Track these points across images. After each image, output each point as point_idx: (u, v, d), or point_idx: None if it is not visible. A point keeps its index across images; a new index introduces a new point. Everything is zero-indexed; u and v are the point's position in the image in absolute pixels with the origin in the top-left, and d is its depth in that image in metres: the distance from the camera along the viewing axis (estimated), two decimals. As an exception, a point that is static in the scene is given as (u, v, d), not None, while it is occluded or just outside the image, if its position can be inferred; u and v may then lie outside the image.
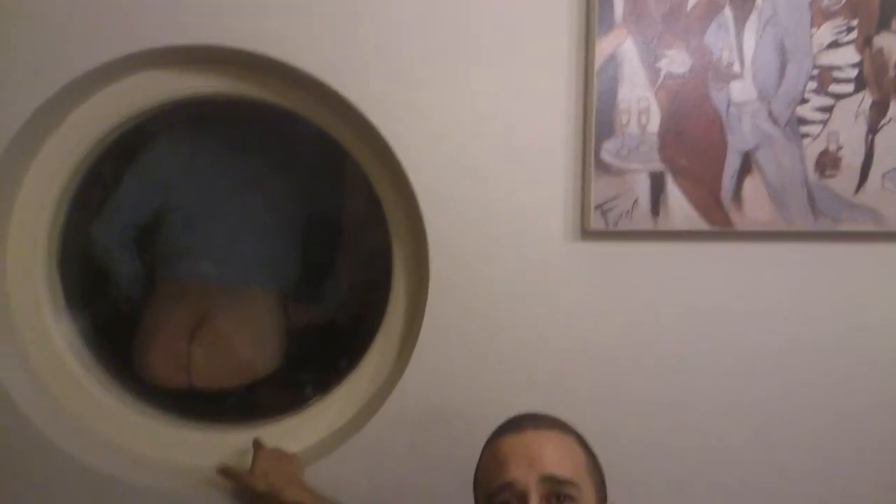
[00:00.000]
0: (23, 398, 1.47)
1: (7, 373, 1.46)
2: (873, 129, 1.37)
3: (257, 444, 1.48)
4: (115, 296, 1.87)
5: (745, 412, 1.48)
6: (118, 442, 1.54)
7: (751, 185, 1.39)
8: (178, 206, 1.84)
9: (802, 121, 1.36)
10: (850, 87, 1.36)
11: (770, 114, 1.36)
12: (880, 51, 1.36)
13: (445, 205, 1.42)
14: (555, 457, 1.01)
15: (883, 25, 1.35)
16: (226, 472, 1.44)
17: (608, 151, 1.37)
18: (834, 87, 1.36)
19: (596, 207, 1.39)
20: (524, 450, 1.01)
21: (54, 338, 1.53)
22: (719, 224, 1.39)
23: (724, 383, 1.47)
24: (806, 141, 1.37)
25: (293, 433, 1.56)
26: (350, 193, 1.99)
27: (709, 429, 1.48)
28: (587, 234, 1.41)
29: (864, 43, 1.36)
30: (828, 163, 1.37)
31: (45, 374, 1.52)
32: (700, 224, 1.39)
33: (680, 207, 1.39)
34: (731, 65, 1.35)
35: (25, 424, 1.46)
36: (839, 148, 1.37)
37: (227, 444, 1.56)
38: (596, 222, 1.39)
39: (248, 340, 1.86)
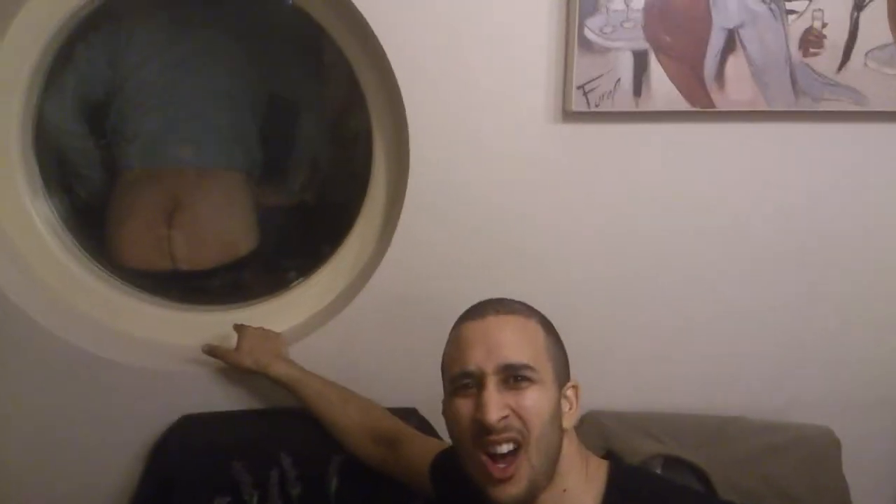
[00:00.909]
0: (6, 281, 1.48)
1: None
2: (859, 6, 1.35)
3: (240, 327, 1.51)
4: (83, 179, 1.85)
5: (722, 287, 1.52)
6: (104, 321, 1.58)
7: (734, 65, 1.38)
8: (145, 85, 1.80)
9: (788, -3, 1.35)
10: (837, -38, 1.34)
11: (756, -10, 1.34)
12: (872, -77, 1.33)
13: (425, 85, 1.41)
14: (513, 342, 1.04)
15: None
16: (212, 350, 1.49)
17: (592, 29, 1.35)
18: (821, -38, 1.34)
19: (578, 88, 1.38)
20: (483, 336, 1.05)
21: (34, 219, 1.54)
22: (701, 104, 1.39)
23: (703, 261, 1.51)
24: (791, 17, 1.35)
25: (277, 314, 1.60)
26: (328, 75, 1.95)
27: (688, 304, 1.53)
28: (568, 115, 1.41)
29: (855, -86, 1.32)
30: (812, 41, 1.36)
31: (26, 256, 1.54)
32: (682, 104, 1.39)
33: (662, 87, 1.38)
34: (719, -62, 1.32)
35: (9, 306, 1.48)
36: (824, 25, 1.36)
37: (212, 323, 1.60)
38: (577, 103, 1.39)
39: (225, 220, 1.87)
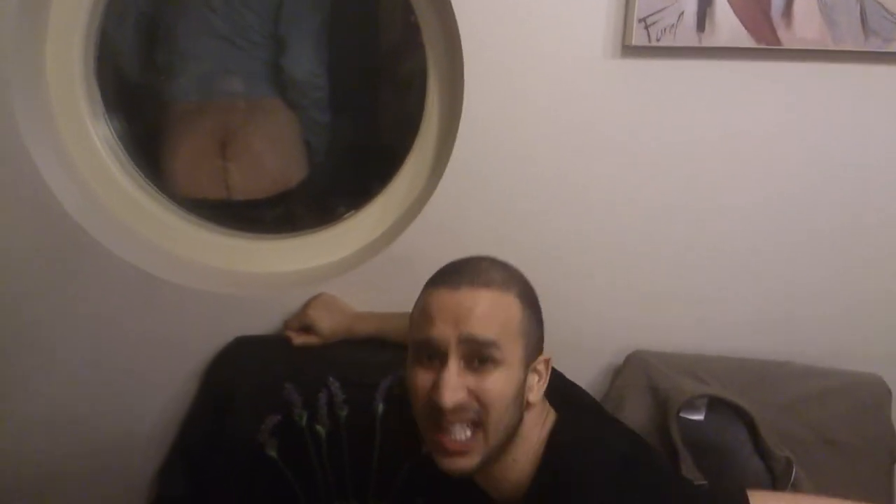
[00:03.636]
0: (69, 201, 1.54)
1: (53, 178, 1.53)
2: (938, -60, 1.31)
3: (307, 314, 1.54)
4: (143, 101, 1.90)
5: (775, 230, 1.52)
6: (161, 244, 1.64)
7: (802, 1, 1.35)
8: (196, 18, 1.84)
9: (864, -71, 1.32)
10: None
11: (832, -79, 1.31)
12: None
13: (482, 19, 1.41)
14: (482, 317, 1.00)
15: None
16: (299, 344, 1.54)
17: (656, -41, 1.34)
18: None
19: (639, 21, 1.37)
20: (453, 308, 1.01)
21: (95, 142, 1.60)
22: (766, 42, 1.38)
23: (757, 202, 1.51)
24: (865, -49, 1.32)
25: (327, 245, 1.65)
26: (382, 10, 1.96)
27: (741, 246, 1.53)
28: (628, 49, 1.41)
29: None
30: (885, -23, 1.33)
31: (88, 177, 1.60)
32: (747, 41, 1.38)
33: (727, 22, 1.37)
34: None
35: (71, 224, 1.55)
36: (899, -40, 1.32)
37: (264, 250, 1.66)
38: (638, 37, 1.38)
39: (275, 151, 1.91)
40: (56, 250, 1.57)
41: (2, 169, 1.50)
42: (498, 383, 1.00)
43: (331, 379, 1.45)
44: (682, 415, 1.44)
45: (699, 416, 1.45)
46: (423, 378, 1.03)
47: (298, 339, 1.54)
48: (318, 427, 1.43)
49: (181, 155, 1.89)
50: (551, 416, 1.12)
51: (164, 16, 1.91)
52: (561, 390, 1.19)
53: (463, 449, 1.00)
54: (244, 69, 1.90)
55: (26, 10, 1.44)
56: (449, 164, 1.50)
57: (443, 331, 1.01)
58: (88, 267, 1.58)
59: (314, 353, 1.53)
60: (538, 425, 1.09)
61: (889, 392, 1.48)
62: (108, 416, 1.68)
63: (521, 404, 1.04)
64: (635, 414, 1.50)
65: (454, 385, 0.98)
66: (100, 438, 1.69)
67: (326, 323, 1.52)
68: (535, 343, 1.07)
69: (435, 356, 1.02)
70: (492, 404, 0.99)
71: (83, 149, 1.59)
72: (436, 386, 1.00)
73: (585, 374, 1.33)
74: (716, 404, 1.46)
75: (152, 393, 1.66)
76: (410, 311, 1.08)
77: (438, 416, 1.00)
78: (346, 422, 1.44)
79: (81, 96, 1.57)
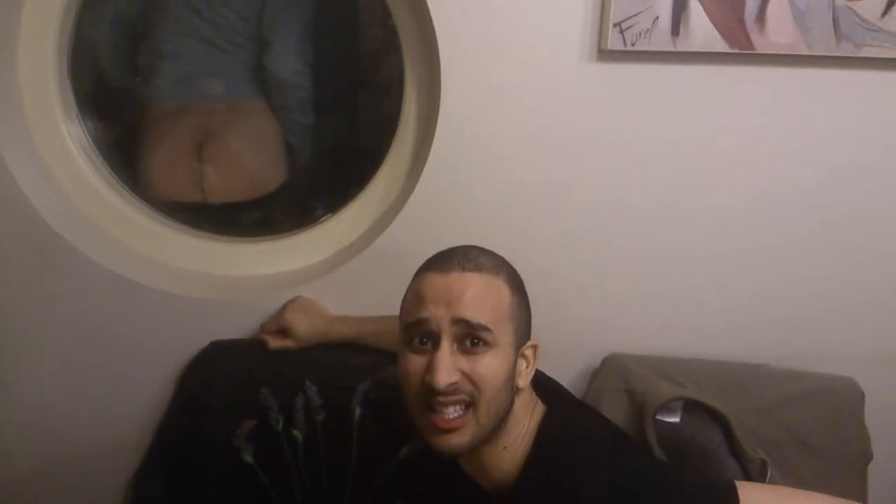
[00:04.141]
0: (42, 203, 1.53)
1: (25, 180, 1.53)
2: (908, -53, 1.33)
3: (284, 317, 1.53)
4: (119, 103, 1.89)
5: (752, 233, 1.53)
6: (136, 247, 1.63)
7: (775, 6, 1.37)
8: (174, 18, 1.83)
9: (837, -65, 1.33)
10: None
11: (803, -73, 1.33)
12: None
13: (458, 22, 1.42)
14: (473, 300, 1.03)
15: None
16: (275, 349, 1.53)
17: (631, -36, 1.35)
18: None
19: (615, 25, 1.38)
20: (445, 291, 1.03)
21: (67, 143, 1.59)
22: (740, 46, 1.39)
23: (733, 206, 1.51)
24: (836, -43, 1.34)
25: (304, 248, 1.64)
26: (361, 13, 1.96)
27: (716, 249, 1.54)
28: (604, 53, 1.42)
29: None
30: (857, -17, 1.35)
31: (61, 180, 1.60)
32: (720, 45, 1.39)
33: (701, 27, 1.38)
34: None
35: (44, 227, 1.54)
36: (870, -33, 1.34)
37: (240, 254, 1.66)
38: (613, 42, 1.39)
39: (254, 153, 1.91)
40: (30, 254, 1.56)
41: None
42: (490, 366, 1.02)
43: (307, 383, 1.45)
44: (658, 417, 1.45)
45: (675, 419, 1.46)
46: (415, 362, 1.04)
47: (275, 343, 1.53)
48: (295, 431, 1.43)
49: (158, 157, 1.88)
50: (539, 406, 1.13)
51: (142, 16, 1.90)
52: (546, 384, 1.21)
53: (455, 426, 1.02)
54: (225, 71, 1.90)
55: None
56: (426, 166, 1.50)
57: (435, 313, 1.02)
58: (63, 271, 1.57)
59: (291, 356, 1.52)
60: (527, 414, 1.10)
61: (862, 395, 1.49)
62: (84, 419, 1.67)
63: (511, 388, 1.06)
64: (612, 416, 1.49)
65: (447, 366, 1.00)
66: (76, 442, 1.69)
67: (303, 326, 1.52)
68: (524, 327, 1.09)
69: (427, 339, 1.04)
70: (484, 386, 1.01)
71: (57, 151, 1.59)
72: (430, 368, 1.01)
73: (562, 376, 1.34)
74: (691, 407, 1.46)
75: (129, 396, 1.66)
76: (387, 314, 1.08)
77: (431, 398, 1.01)
78: (323, 426, 1.44)
79: (55, 97, 1.56)
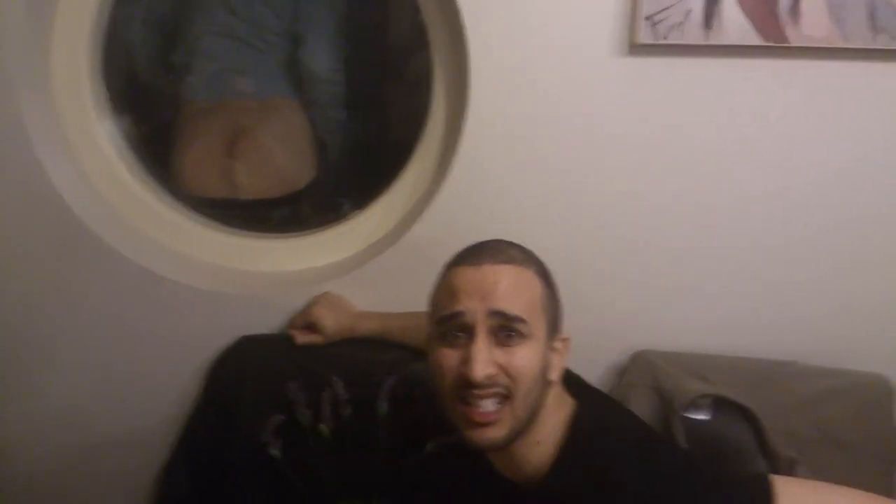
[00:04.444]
0: (74, 198, 1.55)
1: (59, 177, 1.54)
2: (949, -64, 1.30)
3: (311, 313, 1.54)
4: (152, 100, 1.90)
5: (780, 229, 1.51)
6: (166, 243, 1.65)
7: (811, -1, 1.34)
8: (206, 17, 1.83)
9: (872, -75, 1.31)
10: None
11: (838, -82, 1.31)
12: None
13: (488, 19, 1.41)
14: (507, 292, 1.02)
15: None
16: (303, 343, 1.54)
17: (663, -44, 1.33)
18: None
19: (646, 18, 1.37)
20: (478, 284, 1.03)
21: (101, 139, 1.60)
22: (774, 39, 1.37)
23: (764, 201, 1.49)
24: (873, -52, 1.31)
25: (331, 244, 1.65)
26: (391, 9, 1.95)
27: (745, 245, 1.52)
28: (635, 47, 1.40)
29: None
30: (894, -27, 1.32)
31: (94, 178, 1.62)
32: (754, 38, 1.37)
33: (734, 20, 1.37)
34: None
35: (75, 222, 1.55)
36: (908, -43, 1.31)
37: (268, 250, 1.67)
38: (645, 35, 1.38)
39: (285, 150, 1.91)
40: (61, 249, 1.58)
41: (7, 167, 1.50)
42: (526, 357, 1.02)
43: (334, 378, 1.46)
44: (687, 414, 1.44)
45: (703, 416, 1.46)
46: (449, 356, 1.04)
47: (302, 338, 1.54)
48: (322, 426, 1.44)
49: (191, 154, 1.89)
50: (569, 401, 1.13)
51: (176, 15, 1.91)
52: (575, 381, 1.21)
53: (492, 419, 1.01)
54: (257, 69, 1.90)
55: (33, 6, 1.44)
56: (455, 162, 1.50)
57: (469, 305, 1.02)
58: (94, 265, 1.59)
59: (318, 352, 1.53)
60: (559, 407, 1.10)
61: (892, 391, 1.48)
62: (112, 414, 1.69)
63: (545, 380, 1.05)
64: (639, 412, 1.49)
65: (485, 358, 1.00)
66: (103, 437, 1.70)
67: (330, 322, 1.52)
68: (555, 319, 1.09)
69: (462, 332, 1.03)
70: (521, 378, 1.01)
71: (89, 148, 1.60)
72: (465, 360, 1.01)
73: (590, 372, 1.33)
74: (720, 404, 1.45)
75: (157, 391, 1.67)
76: (414, 310, 1.08)
77: (467, 392, 1.01)
78: (350, 421, 1.45)
79: (88, 94, 1.57)
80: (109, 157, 1.62)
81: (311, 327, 1.54)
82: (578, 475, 1.03)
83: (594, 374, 1.57)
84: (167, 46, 1.89)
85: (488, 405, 1.01)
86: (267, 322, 1.59)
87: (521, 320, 1.02)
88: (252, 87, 1.88)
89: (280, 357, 1.54)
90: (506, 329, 1.02)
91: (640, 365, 1.55)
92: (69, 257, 1.58)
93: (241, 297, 1.60)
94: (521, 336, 1.02)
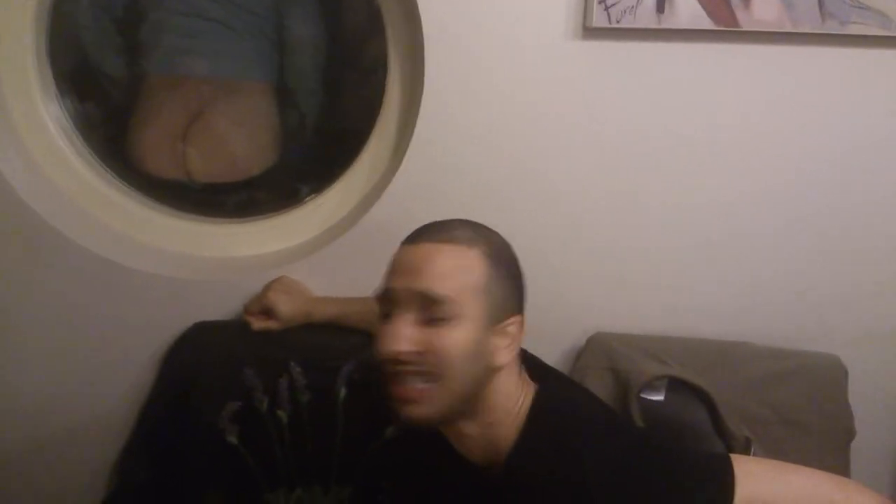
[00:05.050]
0: (21, 184, 1.53)
1: (4, 162, 1.51)
2: (894, -78, 1.33)
3: (266, 298, 1.52)
4: (102, 81, 1.86)
5: (735, 211, 1.53)
6: (118, 228, 1.63)
7: (762, -18, 1.37)
8: None
9: None
10: None
11: None
12: None
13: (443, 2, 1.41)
14: (436, 272, 1.01)
15: None
16: (259, 329, 1.52)
17: (615, -60, 1.34)
18: None
19: (599, 2, 1.38)
20: (409, 262, 1.03)
21: (47, 123, 1.58)
22: (725, 23, 1.39)
23: (716, 184, 1.52)
24: (822, -68, 1.34)
25: (289, 228, 1.64)
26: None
27: (699, 227, 1.54)
28: (588, 31, 1.42)
29: None
30: (842, -42, 1.35)
31: (40, 160, 1.59)
32: (706, 23, 1.39)
33: (686, 4, 1.38)
34: None
35: (24, 209, 1.54)
36: (856, -58, 1.34)
37: (224, 235, 1.66)
38: (598, 19, 1.39)
39: (243, 135, 1.88)
40: (11, 236, 1.55)
41: None
42: (452, 339, 1.00)
43: (292, 364, 1.45)
44: (643, 395, 1.46)
45: (659, 397, 1.47)
46: (382, 332, 1.03)
47: (258, 324, 1.53)
48: (280, 412, 1.43)
49: (145, 134, 1.85)
50: (530, 383, 1.12)
51: None
52: (534, 363, 1.21)
53: (417, 397, 1.00)
54: (225, 49, 1.85)
55: None
56: (410, 145, 1.50)
57: (397, 283, 1.03)
58: (45, 252, 1.57)
59: (275, 337, 1.52)
60: (518, 389, 1.09)
61: (846, 372, 1.51)
62: (67, 402, 1.67)
63: (485, 363, 1.03)
64: (597, 394, 1.51)
65: (399, 334, 1.00)
66: (60, 424, 1.69)
67: (286, 307, 1.51)
68: (502, 301, 1.06)
69: (391, 310, 1.03)
70: (446, 359, 0.99)
71: (35, 131, 1.58)
72: (382, 336, 1.01)
73: (548, 355, 1.34)
74: (676, 385, 1.48)
75: (112, 378, 1.66)
76: (370, 295, 1.07)
77: (391, 368, 1.00)
78: (308, 406, 1.44)
79: (32, 75, 1.55)
80: (56, 140, 1.60)
81: (266, 312, 1.53)
82: (540, 455, 1.02)
83: (552, 357, 1.58)
84: (124, 25, 1.85)
85: (413, 382, 1.00)
86: (222, 308, 1.58)
87: (448, 301, 1.00)
88: (216, 68, 1.84)
89: (236, 343, 1.53)
90: (432, 309, 1.00)
91: (595, 347, 1.56)
92: (19, 244, 1.56)
93: (195, 283, 1.59)
94: (448, 318, 1.00)
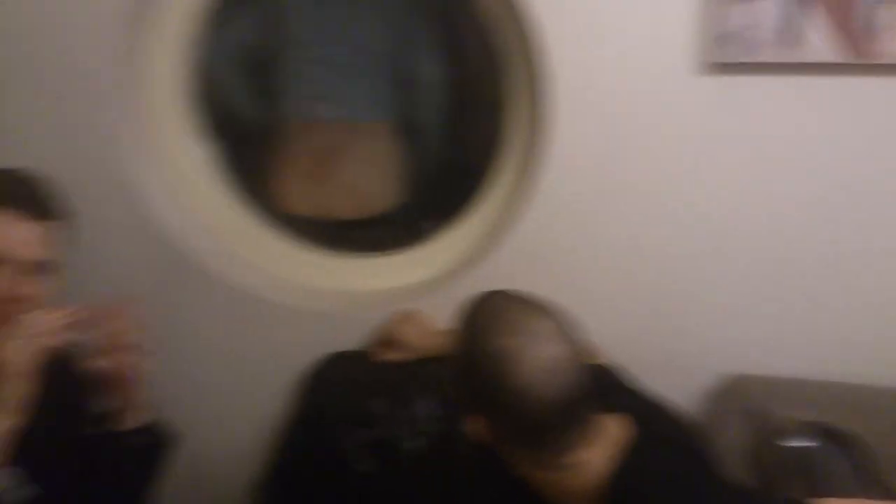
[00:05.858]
0: (171, 223, 1.66)
1: (155, 201, 1.65)
2: None
3: (398, 329, 1.59)
4: (243, 126, 2.01)
5: (874, 252, 1.49)
6: (259, 264, 1.74)
7: (890, 14, 1.35)
8: (297, 43, 1.96)
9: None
10: None
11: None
12: None
13: (562, 33, 1.44)
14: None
15: None
16: (388, 361, 1.59)
17: (738, -26, 1.36)
18: None
19: (722, 37, 1.39)
20: None
21: (194, 164, 1.72)
22: (854, 56, 1.37)
23: (856, 221, 1.48)
24: (956, -41, 1.32)
25: (413, 265, 1.72)
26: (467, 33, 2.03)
27: (840, 268, 1.51)
28: (711, 66, 1.42)
29: None
30: (980, -16, 1.32)
31: (188, 199, 1.72)
32: (832, 56, 1.37)
33: (812, 37, 1.37)
34: None
35: (171, 246, 1.65)
36: None
37: (357, 268, 1.75)
38: (721, 54, 1.40)
39: (369, 174, 1.98)
40: (154, 270, 1.66)
41: (105, 193, 1.60)
42: None
43: (420, 396, 1.48)
44: (784, 443, 1.41)
45: (803, 444, 1.42)
46: None
47: (387, 355, 1.58)
48: (407, 443, 1.46)
49: (282, 175, 1.99)
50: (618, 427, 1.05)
51: (267, 43, 1.99)
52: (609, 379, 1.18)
53: None
54: (351, 93, 1.98)
55: (128, 30, 1.55)
56: (538, 187, 1.53)
57: None
58: (185, 285, 1.67)
59: (405, 369, 1.57)
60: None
61: None
62: (203, 432, 1.73)
63: None
64: (731, 439, 1.47)
65: None
66: (197, 452, 1.73)
67: (413, 339, 1.57)
68: None
69: None
70: None
71: (183, 171, 1.71)
72: None
73: (679, 396, 1.31)
74: (819, 432, 1.42)
75: (246, 409, 1.73)
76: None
77: None
78: (436, 438, 1.46)
79: (182, 120, 1.69)
80: (201, 180, 1.73)
81: (393, 344, 1.58)
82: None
83: (683, 397, 1.54)
84: (259, 73, 2.00)
85: None
86: (353, 339, 1.65)
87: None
88: (343, 112, 1.97)
89: (367, 373, 1.59)
90: None
91: (732, 389, 1.53)
92: (162, 278, 1.66)
93: (328, 316, 1.66)
94: None
